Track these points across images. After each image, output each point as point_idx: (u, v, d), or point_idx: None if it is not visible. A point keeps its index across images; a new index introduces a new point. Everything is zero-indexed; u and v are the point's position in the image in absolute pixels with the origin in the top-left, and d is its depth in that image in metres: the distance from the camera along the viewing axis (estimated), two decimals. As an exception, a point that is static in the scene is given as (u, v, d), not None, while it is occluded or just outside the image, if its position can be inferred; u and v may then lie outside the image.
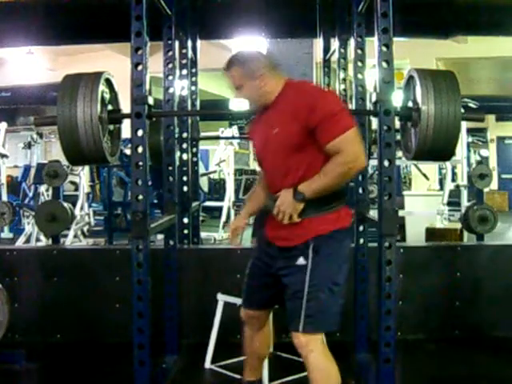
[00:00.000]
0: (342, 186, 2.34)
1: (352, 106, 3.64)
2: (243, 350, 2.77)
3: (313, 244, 2.27)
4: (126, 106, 2.84)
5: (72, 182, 8.61)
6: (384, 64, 2.70)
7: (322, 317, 2.28)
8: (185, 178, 4.11)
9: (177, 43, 3.74)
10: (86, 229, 7.85)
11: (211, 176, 11.24)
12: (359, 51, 3.38)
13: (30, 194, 9.10)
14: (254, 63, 2.35)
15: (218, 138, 8.69)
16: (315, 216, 2.30)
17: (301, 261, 2.27)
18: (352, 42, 3.47)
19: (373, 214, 3.13)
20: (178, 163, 3.72)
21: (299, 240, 2.30)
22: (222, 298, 3.35)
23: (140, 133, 2.70)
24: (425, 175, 8.52)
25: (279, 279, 2.36)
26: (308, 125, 2.24)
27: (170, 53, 3.54)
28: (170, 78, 3.54)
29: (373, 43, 2.77)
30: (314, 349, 2.29)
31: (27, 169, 9.74)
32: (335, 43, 4.36)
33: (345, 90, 4.35)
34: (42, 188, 7.99)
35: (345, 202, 2.40)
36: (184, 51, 4.12)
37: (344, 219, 2.37)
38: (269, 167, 2.44)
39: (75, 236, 7.18)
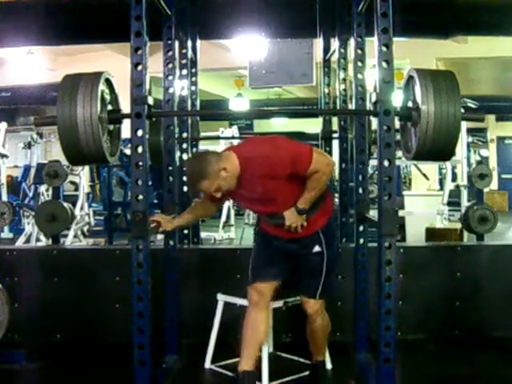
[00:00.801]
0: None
1: (352, 106, 3.64)
2: (243, 339, 2.90)
3: (322, 234, 2.93)
4: (125, 106, 2.84)
5: (72, 182, 8.61)
6: (384, 64, 2.70)
7: (330, 288, 3.01)
8: (185, 178, 4.10)
9: (177, 43, 3.74)
10: (86, 229, 7.85)
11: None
12: (359, 51, 3.38)
13: (30, 194, 9.11)
14: (213, 170, 2.72)
15: (218, 137, 8.69)
16: (315, 213, 2.91)
17: (317, 248, 2.93)
18: (352, 42, 3.47)
19: (373, 214, 3.13)
20: (178, 163, 3.71)
21: (310, 231, 2.91)
22: (221, 298, 3.35)
23: (140, 133, 2.70)
24: (425, 175, 8.52)
25: (289, 257, 2.98)
26: (283, 175, 2.75)
27: (170, 53, 3.54)
28: (170, 78, 3.54)
29: (373, 43, 2.77)
30: (322, 311, 3.01)
31: (27, 169, 9.74)
32: (335, 43, 4.37)
33: (345, 89, 4.35)
34: (42, 188, 7.99)
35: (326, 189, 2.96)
36: (184, 51, 4.12)
37: (330, 204, 3.06)
38: (263, 211, 2.99)
39: (75, 236, 7.19)
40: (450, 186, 7.79)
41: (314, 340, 3.09)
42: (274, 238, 3.00)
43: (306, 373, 3.16)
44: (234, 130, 10.19)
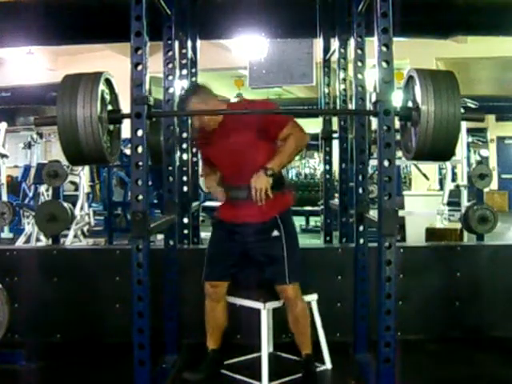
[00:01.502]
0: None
1: (352, 106, 3.64)
2: (206, 323, 3.20)
3: (280, 219, 3.02)
4: (125, 106, 2.84)
5: (72, 182, 8.60)
6: (384, 64, 2.70)
7: (298, 269, 3.05)
8: (185, 178, 4.11)
9: (177, 43, 3.74)
10: (86, 229, 7.85)
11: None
12: (359, 51, 3.38)
13: (30, 194, 9.11)
14: (204, 92, 3.09)
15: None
16: (277, 192, 2.97)
17: (275, 233, 3.01)
18: (352, 42, 3.47)
19: (373, 214, 3.13)
20: (178, 163, 3.71)
21: (268, 217, 3.00)
22: (221, 298, 3.35)
23: (140, 133, 2.70)
24: (425, 175, 8.52)
25: (245, 253, 3.07)
26: (260, 127, 2.95)
27: (170, 53, 3.53)
28: (170, 78, 3.54)
29: (373, 43, 2.77)
30: (298, 296, 3.06)
31: (27, 169, 9.74)
32: (335, 43, 4.37)
33: (345, 89, 4.36)
34: (42, 188, 7.99)
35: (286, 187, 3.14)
36: (184, 51, 4.12)
37: (288, 198, 3.16)
38: (229, 166, 3.04)
39: (75, 236, 7.18)
40: (450, 186, 7.78)
41: (298, 328, 3.12)
42: (231, 227, 3.07)
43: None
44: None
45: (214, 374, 3.18)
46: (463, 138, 7.93)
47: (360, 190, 3.40)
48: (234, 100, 9.92)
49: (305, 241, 8.62)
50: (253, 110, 3.09)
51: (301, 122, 3.08)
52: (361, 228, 3.39)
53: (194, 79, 4.43)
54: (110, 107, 2.83)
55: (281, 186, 3.05)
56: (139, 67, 2.71)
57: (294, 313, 3.09)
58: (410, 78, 2.83)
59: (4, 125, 8.27)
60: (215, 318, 3.19)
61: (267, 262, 3.06)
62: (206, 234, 7.93)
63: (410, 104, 2.86)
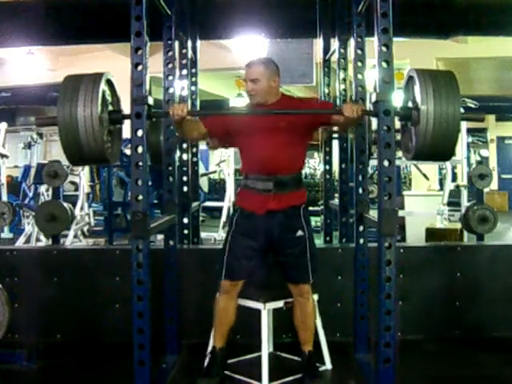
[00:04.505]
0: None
1: (352, 106, 3.64)
2: (216, 320, 3.13)
3: (302, 213, 3.07)
4: (125, 106, 2.84)
5: (72, 182, 8.59)
6: (384, 64, 2.70)
7: (316, 268, 3.11)
8: (185, 178, 4.11)
9: (177, 43, 3.74)
10: (86, 229, 7.84)
11: (211, 176, 11.24)
12: (359, 51, 3.38)
13: (30, 194, 9.10)
14: (275, 70, 3.04)
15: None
16: (298, 189, 3.09)
17: (300, 233, 3.06)
18: (352, 42, 3.48)
19: (373, 214, 3.13)
20: (178, 163, 3.71)
21: (291, 206, 3.05)
22: (222, 298, 3.35)
23: (140, 133, 2.70)
24: (425, 175, 8.51)
25: (267, 251, 3.09)
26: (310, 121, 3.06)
27: (170, 53, 3.53)
28: (170, 78, 3.54)
29: (373, 43, 2.77)
30: (310, 295, 3.12)
31: (27, 169, 9.74)
32: (335, 43, 4.37)
33: (345, 90, 4.36)
34: (42, 188, 7.99)
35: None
36: (184, 51, 4.12)
37: (306, 197, 3.17)
38: (263, 154, 3.00)
39: (75, 236, 7.18)
40: (450, 186, 7.78)
41: (307, 324, 3.13)
42: (255, 219, 3.03)
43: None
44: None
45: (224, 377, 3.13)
46: (463, 138, 7.93)
47: (360, 190, 3.40)
48: (233, 101, 9.96)
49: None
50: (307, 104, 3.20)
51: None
52: (361, 228, 3.39)
53: (194, 79, 4.43)
54: (110, 108, 2.84)
55: (300, 183, 3.14)
56: (139, 67, 2.72)
57: (307, 308, 3.11)
58: (410, 78, 2.84)
59: (4, 125, 8.26)
60: (228, 316, 3.12)
61: (291, 261, 3.06)
62: (206, 234, 8.01)
63: (410, 104, 2.86)
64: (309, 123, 3.07)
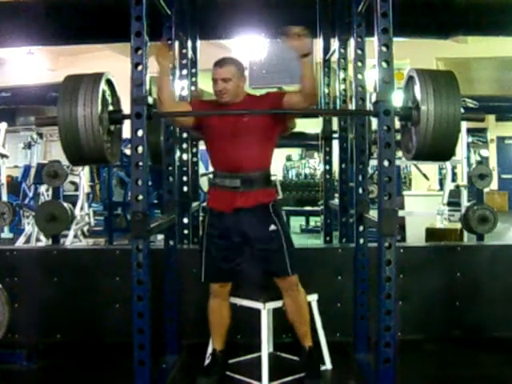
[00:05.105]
0: None
1: (352, 106, 3.64)
2: (211, 323, 3.15)
3: (272, 208, 3.05)
4: (126, 106, 2.84)
5: (72, 182, 8.59)
6: (384, 64, 2.70)
7: (296, 261, 3.08)
8: (185, 178, 4.11)
9: (177, 43, 3.74)
10: (86, 229, 7.84)
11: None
12: (359, 51, 3.38)
13: (30, 194, 9.11)
14: (243, 69, 3.10)
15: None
16: (267, 187, 3.09)
17: (272, 227, 3.03)
18: (352, 42, 3.48)
19: (373, 214, 3.13)
20: (178, 163, 3.71)
21: (261, 202, 3.03)
22: (222, 298, 3.35)
23: (140, 133, 2.70)
24: (425, 175, 8.51)
25: (243, 247, 3.06)
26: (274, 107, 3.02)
27: (170, 53, 3.53)
28: (170, 78, 3.53)
29: (373, 43, 2.77)
30: (299, 287, 3.09)
31: (27, 169, 9.74)
32: (335, 43, 4.37)
33: (345, 90, 4.36)
34: (42, 188, 7.99)
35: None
36: (184, 51, 4.12)
37: (276, 195, 3.23)
38: (228, 150, 3.02)
39: (75, 236, 7.18)
40: (450, 186, 7.77)
41: (301, 317, 3.12)
42: (226, 217, 3.02)
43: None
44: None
45: (224, 377, 3.14)
46: (463, 138, 7.92)
47: (360, 190, 3.40)
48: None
49: (305, 241, 8.63)
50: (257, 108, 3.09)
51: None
52: (361, 228, 3.39)
53: (194, 79, 4.43)
54: (110, 107, 2.84)
55: (269, 181, 3.14)
56: (139, 67, 2.72)
57: (297, 300, 3.09)
58: (410, 78, 2.84)
59: (4, 125, 8.26)
60: (222, 317, 3.15)
61: (268, 256, 3.06)
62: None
63: (410, 104, 2.86)
64: (272, 118, 3.05)
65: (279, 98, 3.03)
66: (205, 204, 3.32)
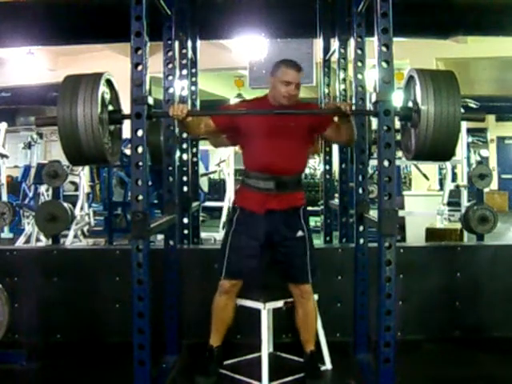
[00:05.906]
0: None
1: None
2: (214, 320, 3.15)
3: (302, 213, 3.11)
4: (126, 107, 2.84)
5: (72, 182, 8.60)
6: (384, 64, 2.70)
7: (316, 268, 3.15)
8: (185, 178, 4.11)
9: (177, 43, 3.74)
10: (86, 229, 7.84)
11: (211, 176, 11.23)
12: (359, 51, 3.38)
13: (30, 194, 9.10)
14: None
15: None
16: (298, 190, 3.15)
17: (300, 233, 3.09)
18: (352, 42, 3.48)
19: (373, 214, 3.13)
20: (178, 163, 3.71)
21: (292, 206, 3.09)
22: (222, 298, 3.34)
23: (140, 133, 2.70)
24: (425, 175, 8.52)
25: (266, 250, 3.08)
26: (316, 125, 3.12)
27: (170, 53, 3.53)
28: (170, 78, 3.54)
29: (373, 43, 2.77)
30: (312, 292, 3.14)
31: (27, 169, 9.74)
32: (335, 43, 4.37)
33: (345, 90, 4.35)
34: (42, 188, 7.99)
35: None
36: (184, 51, 4.12)
37: (304, 196, 3.22)
38: (268, 154, 3.02)
39: (75, 236, 7.18)
40: (450, 186, 7.78)
41: (308, 324, 3.15)
42: (255, 218, 3.04)
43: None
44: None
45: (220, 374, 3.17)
46: (463, 138, 7.92)
47: (360, 190, 3.40)
48: (232, 101, 9.96)
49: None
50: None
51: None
52: (361, 228, 3.39)
53: (193, 79, 4.43)
54: (110, 108, 2.84)
55: (300, 185, 3.18)
56: (139, 67, 2.72)
57: (308, 308, 3.12)
58: (410, 78, 2.84)
59: (4, 125, 8.26)
60: (226, 315, 3.15)
61: (290, 261, 3.09)
62: (206, 234, 8.00)
63: (410, 104, 2.86)
64: (313, 125, 3.10)
65: (328, 122, 3.12)
66: (232, 203, 3.32)
